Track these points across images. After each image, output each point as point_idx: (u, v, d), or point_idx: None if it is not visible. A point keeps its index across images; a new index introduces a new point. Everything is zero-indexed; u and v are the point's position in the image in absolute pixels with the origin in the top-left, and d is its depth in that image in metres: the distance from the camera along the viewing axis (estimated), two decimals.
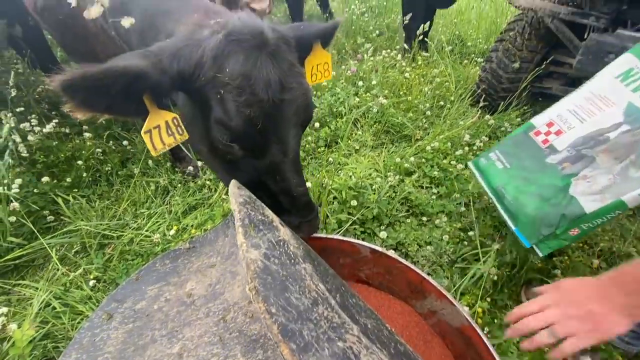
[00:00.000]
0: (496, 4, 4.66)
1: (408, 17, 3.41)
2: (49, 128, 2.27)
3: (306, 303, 0.52)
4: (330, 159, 2.33)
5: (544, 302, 0.83)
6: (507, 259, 1.58)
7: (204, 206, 2.05)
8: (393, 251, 1.72)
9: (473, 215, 1.95)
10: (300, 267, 0.60)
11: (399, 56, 3.35)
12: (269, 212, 0.75)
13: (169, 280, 0.92)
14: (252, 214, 0.66)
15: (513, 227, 1.40)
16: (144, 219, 1.98)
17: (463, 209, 1.99)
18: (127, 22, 1.04)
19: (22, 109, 2.35)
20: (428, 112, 2.78)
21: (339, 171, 2.24)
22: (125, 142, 2.41)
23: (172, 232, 1.84)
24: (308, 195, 0.94)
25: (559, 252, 1.74)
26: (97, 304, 1.55)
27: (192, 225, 1.90)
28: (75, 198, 1.98)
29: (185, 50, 0.77)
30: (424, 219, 1.94)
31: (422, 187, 2.16)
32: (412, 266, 1.21)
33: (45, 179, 1.98)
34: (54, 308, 1.51)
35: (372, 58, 3.22)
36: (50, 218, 1.93)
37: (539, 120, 1.52)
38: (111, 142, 2.42)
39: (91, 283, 1.63)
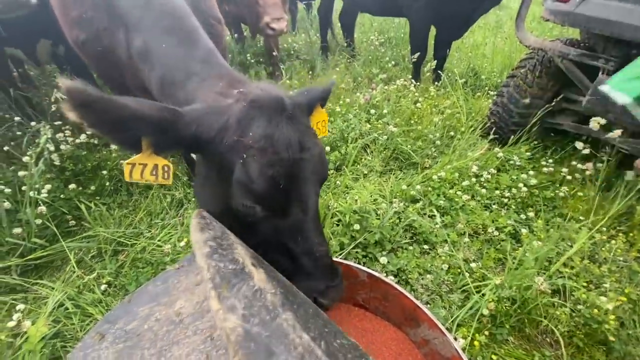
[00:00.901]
0: (511, 40, 4.77)
1: (416, 55, 3.68)
2: (82, 139, 2.45)
3: None
4: (338, 182, 2.40)
5: None
6: (507, 293, 1.57)
7: None
8: (393, 277, 1.74)
9: (476, 246, 1.96)
10: (282, 320, 0.56)
11: (412, 86, 3.46)
12: (238, 254, 0.70)
13: (159, 300, 0.96)
14: (222, 265, 0.61)
15: None
16: (157, 229, 2.09)
17: (467, 239, 2.00)
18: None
19: (60, 122, 2.56)
20: (437, 142, 2.84)
21: (346, 194, 2.30)
22: None
23: (182, 243, 1.93)
24: (331, 257, 0.94)
25: (563, 288, 1.72)
26: (106, 307, 1.63)
27: None
28: (97, 205, 2.12)
29: (209, 117, 0.84)
30: (426, 247, 1.96)
31: (427, 216, 2.19)
32: (407, 293, 1.25)
33: (72, 185, 2.13)
34: (67, 308, 1.60)
35: (385, 87, 3.34)
36: (72, 223, 2.07)
37: None
38: (134, 154, 2.57)
39: (103, 287, 1.72)
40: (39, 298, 1.72)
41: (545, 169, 2.50)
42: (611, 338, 1.49)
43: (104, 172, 2.32)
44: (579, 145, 2.31)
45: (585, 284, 1.73)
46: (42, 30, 2.60)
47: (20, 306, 1.54)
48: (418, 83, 3.70)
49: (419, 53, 3.69)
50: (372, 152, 2.78)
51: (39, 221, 1.91)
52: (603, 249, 1.95)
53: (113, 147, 2.52)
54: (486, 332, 1.54)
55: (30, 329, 1.21)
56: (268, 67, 4.15)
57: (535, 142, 2.80)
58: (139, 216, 2.16)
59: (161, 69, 1.15)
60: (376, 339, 1.36)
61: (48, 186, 2.01)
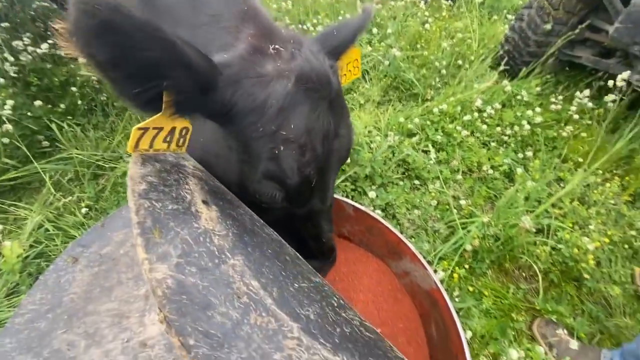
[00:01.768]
0: None
1: None
2: (43, 49, 2.17)
3: (235, 316, 0.44)
4: None
5: None
6: (492, 231, 1.57)
7: None
8: (380, 211, 1.72)
9: (468, 184, 1.91)
10: (228, 267, 0.50)
11: (422, 3, 3.04)
12: (187, 190, 0.61)
13: None
14: (158, 205, 0.52)
15: None
16: None
17: (460, 177, 1.95)
18: None
19: (13, 24, 2.23)
20: (443, 71, 2.60)
21: None
22: None
23: None
24: (333, 239, 0.91)
25: (547, 227, 1.73)
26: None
27: None
28: (70, 125, 1.96)
29: (247, 86, 0.65)
30: (417, 182, 1.91)
31: (421, 151, 2.10)
32: (392, 227, 1.21)
33: (38, 102, 1.94)
34: (47, 230, 1.57)
35: (392, 2, 2.93)
36: (45, 143, 1.93)
37: None
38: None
39: (83, 210, 1.68)
40: (18, 219, 1.68)
41: (552, 106, 2.35)
42: (586, 276, 1.54)
43: (74, 88, 2.10)
44: (620, 77, 1.97)
45: (570, 225, 1.73)
46: None
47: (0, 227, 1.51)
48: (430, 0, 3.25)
49: None
50: (371, 79, 2.55)
51: (6, 140, 1.78)
52: (595, 191, 1.92)
53: (82, 60, 2.25)
54: (466, 266, 1.57)
55: (5, 250, 1.18)
56: None
57: (548, 77, 2.58)
58: (117, 139, 2.03)
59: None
60: (358, 269, 1.38)
61: (11, 102, 1.82)
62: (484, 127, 2.19)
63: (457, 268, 1.54)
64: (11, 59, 1.98)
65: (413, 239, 1.62)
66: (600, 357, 1.32)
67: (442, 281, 1.47)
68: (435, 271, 1.50)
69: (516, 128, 2.20)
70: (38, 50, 2.14)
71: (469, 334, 1.33)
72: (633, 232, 1.73)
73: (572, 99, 2.46)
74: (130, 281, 0.89)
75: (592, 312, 1.52)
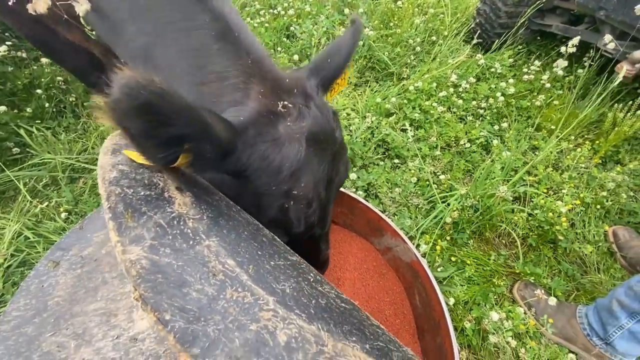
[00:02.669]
0: None
1: None
2: (2, 51, 2.07)
3: (210, 292, 0.45)
4: None
5: None
6: (470, 202, 1.62)
7: None
8: (362, 192, 1.75)
9: (447, 159, 1.95)
10: (203, 247, 0.51)
11: None
12: (159, 177, 0.61)
13: None
14: (130, 192, 0.53)
15: None
16: None
17: (438, 152, 1.98)
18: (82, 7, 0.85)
19: None
20: (418, 48, 2.60)
21: None
22: None
23: None
24: (329, 254, 0.97)
25: (524, 195, 1.79)
26: None
27: None
28: (39, 130, 1.90)
29: (264, 150, 0.68)
30: (397, 161, 1.94)
31: (400, 130, 2.12)
32: (372, 206, 1.24)
33: (2, 107, 1.86)
34: (27, 238, 1.54)
35: None
36: (16, 150, 1.87)
37: None
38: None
39: (63, 215, 1.65)
40: None
41: (525, 77, 2.39)
42: (560, 237, 1.62)
43: (39, 91, 2.02)
44: (571, 43, 2.05)
45: (545, 191, 1.80)
46: None
47: None
48: None
49: None
50: None
51: None
52: (568, 157, 1.99)
53: (44, 61, 2.15)
54: (448, 238, 1.63)
55: None
56: None
57: (520, 47, 2.62)
58: (91, 141, 1.98)
59: (143, 34, 0.85)
60: (344, 249, 1.42)
61: None
62: (460, 101, 2.23)
63: (439, 241, 1.60)
64: None
65: (395, 216, 1.66)
66: (576, 313, 1.40)
67: (424, 254, 1.52)
68: (417, 245, 1.55)
69: (491, 100, 2.24)
70: None
71: (452, 300, 1.39)
72: (604, 193, 1.81)
73: (544, 68, 2.51)
74: (115, 280, 0.89)
75: (569, 271, 1.60)
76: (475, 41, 2.61)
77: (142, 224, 0.48)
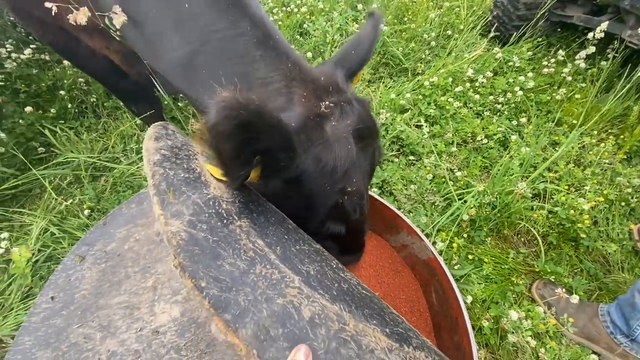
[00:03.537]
0: None
1: None
2: (27, 54, 2.15)
3: (242, 266, 0.49)
4: None
5: None
6: (488, 199, 1.59)
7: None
8: (377, 189, 1.74)
9: (463, 155, 1.92)
10: (235, 227, 0.55)
11: None
12: (197, 164, 0.65)
13: (136, 222, 0.95)
14: (172, 173, 0.58)
15: None
16: (133, 152, 1.99)
17: (454, 149, 1.95)
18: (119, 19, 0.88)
19: None
20: (433, 43, 2.56)
21: None
22: None
23: None
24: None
25: (544, 192, 1.75)
26: None
27: None
28: (62, 130, 1.97)
29: (318, 152, 0.71)
30: (412, 158, 1.92)
31: (415, 126, 2.09)
32: (388, 204, 1.24)
33: (28, 108, 1.94)
34: (53, 234, 1.61)
35: None
36: (41, 149, 1.95)
37: None
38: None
39: (86, 212, 1.71)
40: (24, 226, 1.71)
41: (545, 70, 2.32)
42: (582, 235, 1.57)
43: (62, 92, 2.09)
44: (599, 29, 1.95)
45: (566, 188, 1.75)
46: None
47: (5, 234, 1.54)
48: None
49: None
50: None
51: (2, 149, 1.79)
52: (590, 152, 1.93)
53: (67, 63, 2.23)
54: (465, 235, 1.60)
55: (14, 255, 1.21)
56: None
57: (539, 40, 2.54)
58: (112, 140, 2.03)
59: (186, 43, 0.85)
60: None
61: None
62: (477, 96, 2.18)
63: (456, 238, 1.57)
64: None
65: (411, 214, 1.65)
66: (598, 311, 1.36)
67: (441, 252, 1.51)
68: (434, 243, 1.53)
69: (509, 95, 2.18)
70: (22, 56, 2.12)
71: (469, 298, 1.37)
72: (629, 190, 1.75)
73: (565, 61, 2.43)
74: (137, 274, 0.92)
75: (591, 270, 1.55)
76: (492, 34, 2.54)
77: (182, 201, 0.53)
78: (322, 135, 0.71)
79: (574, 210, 1.61)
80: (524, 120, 2.09)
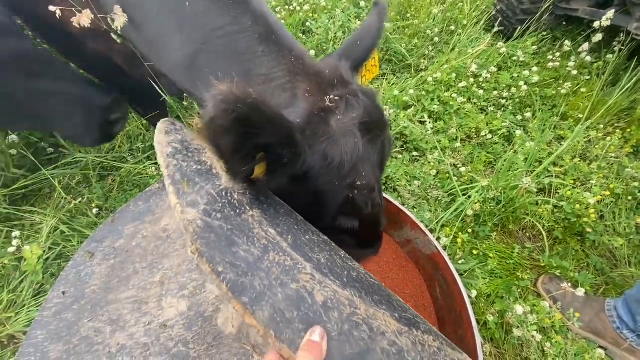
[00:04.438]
0: None
1: None
2: None
3: (256, 253, 0.50)
4: None
5: None
6: (492, 194, 1.59)
7: None
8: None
9: (467, 151, 1.92)
10: (247, 216, 0.56)
11: None
12: (207, 157, 0.67)
13: (143, 219, 0.96)
14: (184, 165, 0.59)
15: None
16: (139, 152, 2.02)
17: (458, 144, 1.95)
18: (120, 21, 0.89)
19: None
20: (436, 39, 2.55)
21: None
22: None
23: None
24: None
25: (549, 186, 1.74)
26: None
27: None
28: None
29: (321, 148, 0.69)
30: (416, 154, 1.92)
31: (419, 122, 2.09)
32: (391, 199, 1.24)
33: None
34: (63, 232, 1.64)
35: None
36: (50, 150, 1.99)
37: None
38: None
39: (95, 211, 1.74)
40: (35, 224, 1.75)
41: (550, 64, 2.30)
42: (588, 230, 1.56)
43: None
44: (605, 17, 1.91)
45: (572, 182, 1.74)
46: None
47: (16, 233, 1.58)
48: None
49: None
50: None
51: (14, 151, 1.83)
52: (597, 146, 1.91)
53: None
54: (469, 230, 1.60)
55: (25, 252, 1.24)
56: None
57: (544, 34, 2.52)
58: (118, 140, 2.06)
59: (188, 43, 0.85)
60: None
61: None
62: (481, 92, 2.17)
63: (460, 234, 1.58)
64: None
65: (415, 209, 1.65)
66: (604, 306, 1.35)
67: (445, 247, 1.51)
68: (438, 238, 1.54)
69: (513, 90, 2.17)
70: None
71: (474, 293, 1.37)
72: (636, 184, 1.73)
73: (570, 54, 2.41)
74: (145, 270, 0.94)
75: (597, 264, 1.54)
76: (496, 29, 2.53)
77: (196, 191, 0.54)
78: (328, 131, 0.70)
79: (580, 205, 1.60)
80: (528, 115, 2.07)
